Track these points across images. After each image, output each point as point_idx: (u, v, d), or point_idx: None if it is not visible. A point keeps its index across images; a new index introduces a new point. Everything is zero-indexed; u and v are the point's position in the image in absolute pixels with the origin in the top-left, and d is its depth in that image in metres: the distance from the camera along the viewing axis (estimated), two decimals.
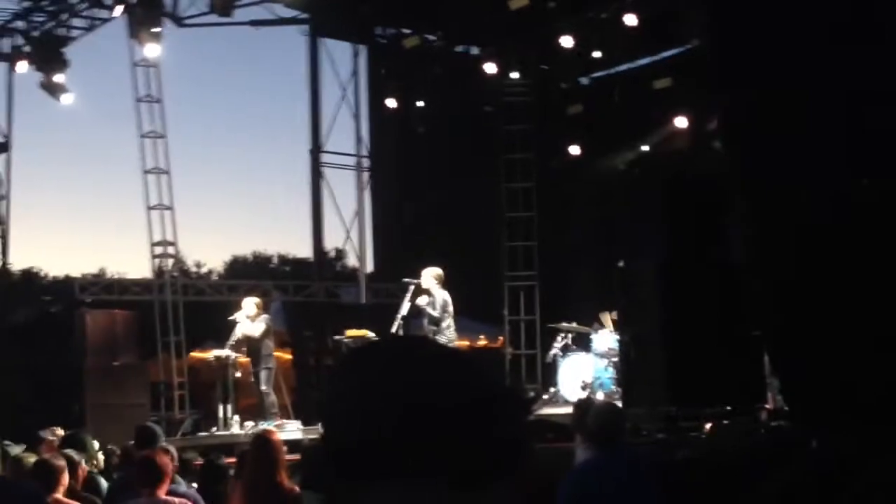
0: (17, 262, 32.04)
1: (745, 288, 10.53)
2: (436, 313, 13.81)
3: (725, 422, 11.46)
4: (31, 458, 7.89)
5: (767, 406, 12.19)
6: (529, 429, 1.47)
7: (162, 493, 6.93)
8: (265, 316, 15.22)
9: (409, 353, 1.41)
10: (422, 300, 13.94)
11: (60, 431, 10.59)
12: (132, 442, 9.67)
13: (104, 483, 8.33)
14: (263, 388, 14.87)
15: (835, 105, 8.15)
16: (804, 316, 8.53)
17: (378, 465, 1.31)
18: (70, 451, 7.88)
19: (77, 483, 7.67)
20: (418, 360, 1.38)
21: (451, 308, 14.01)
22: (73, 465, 7.50)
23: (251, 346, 15.01)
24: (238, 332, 15.05)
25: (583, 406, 9.15)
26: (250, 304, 15.21)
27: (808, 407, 8.58)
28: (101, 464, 9.46)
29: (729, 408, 11.81)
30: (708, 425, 11.28)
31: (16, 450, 8.96)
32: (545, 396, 16.31)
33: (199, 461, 10.04)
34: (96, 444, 9.40)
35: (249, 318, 14.97)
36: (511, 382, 18.08)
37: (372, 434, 1.31)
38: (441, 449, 1.30)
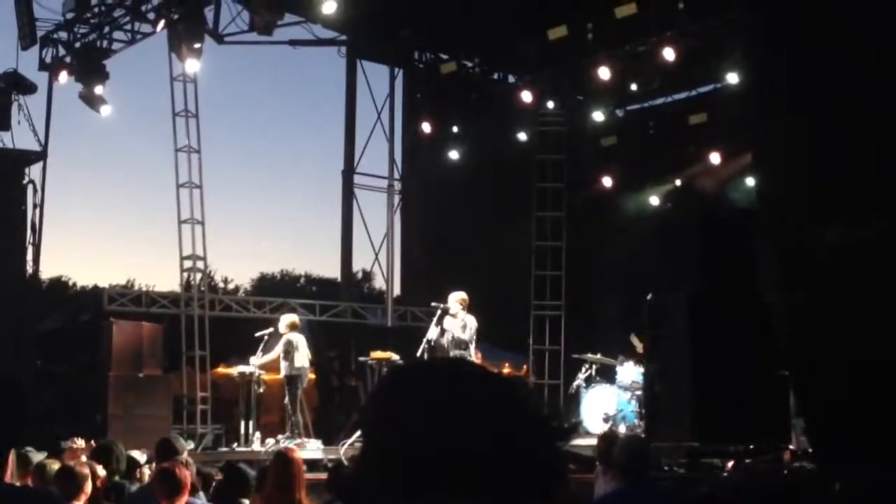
0: (47, 270, 32.31)
1: (775, 327, 10.46)
2: (465, 336, 13.83)
3: (748, 460, 11.38)
4: (55, 465, 7.93)
5: (791, 447, 12.11)
6: (565, 456, 1.48)
7: None
8: (295, 335, 15.14)
9: (455, 374, 1.42)
10: (448, 322, 13.96)
11: (81, 442, 10.60)
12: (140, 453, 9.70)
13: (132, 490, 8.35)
14: (287, 403, 14.87)
15: (862, 148, 8.13)
16: (832, 358, 8.48)
17: (420, 482, 1.32)
18: (92, 462, 7.92)
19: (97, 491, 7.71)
20: (464, 381, 1.39)
21: (475, 333, 14.04)
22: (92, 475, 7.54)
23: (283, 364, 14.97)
24: (262, 351, 15.06)
25: (608, 438, 9.13)
26: (284, 322, 15.15)
27: (833, 449, 8.51)
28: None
29: (752, 446, 11.72)
30: (730, 463, 11.21)
31: (38, 457, 8.99)
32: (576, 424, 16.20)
33: (219, 476, 10.03)
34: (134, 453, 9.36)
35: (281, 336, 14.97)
36: (549, 410, 18.01)
37: (416, 451, 1.32)
38: (482, 469, 1.31)
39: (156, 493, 7.20)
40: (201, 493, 7.69)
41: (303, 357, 14.95)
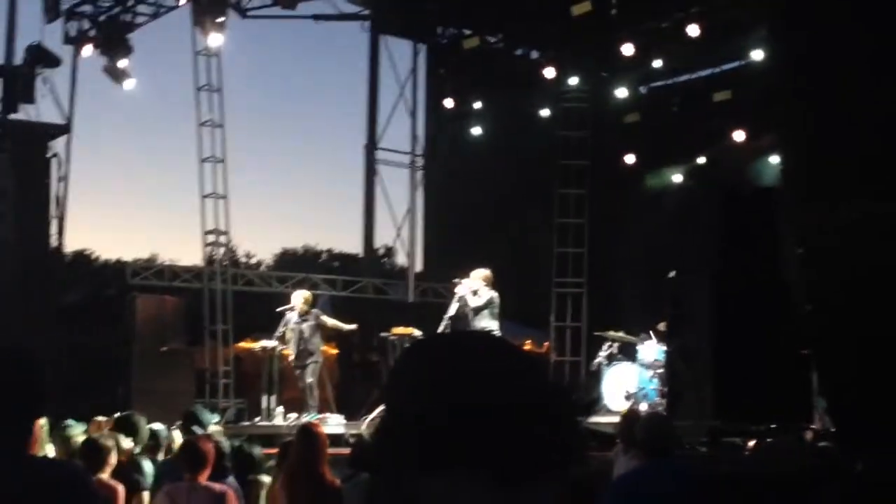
0: (71, 244, 32.43)
1: (797, 306, 10.43)
2: (479, 303, 13.79)
3: (769, 439, 11.35)
4: (80, 438, 7.98)
5: (813, 426, 12.07)
6: (581, 432, 1.48)
7: (203, 479, 6.99)
8: (315, 311, 15.18)
9: (477, 348, 1.42)
10: (461, 288, 13.90)
11: (101, 418, 10.65)
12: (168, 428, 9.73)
13: (149, 466, 8.38)
14: (309, 380, 14.86)
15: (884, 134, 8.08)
16: (855, 338, 8.45)
17: (438, 456, 1.32)
18: (118, 434, 7.95)
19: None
20: (484, 355, 1.39)
21: (497, 309, 14.00)
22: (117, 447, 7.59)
23: (299, 339, 14.95)
24: (283, 326, 15.04)
25: (630, 416, 9.11)
26: (298, 298, 15.14)
27: (856, 429, 8.48)
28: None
29: (774, 426, 11.70)
30: (752, 442, 11.18)
31: (75, 430, 9.02)
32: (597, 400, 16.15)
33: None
34: (154, 427, 9.37)
35: (298, 314, 14.93)
36: (568, 386, 18.06)
37: (434, 425, 1.32)
38: (501, 443, 1.31)
39: (180, 466, 7.25)
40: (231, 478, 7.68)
41: None
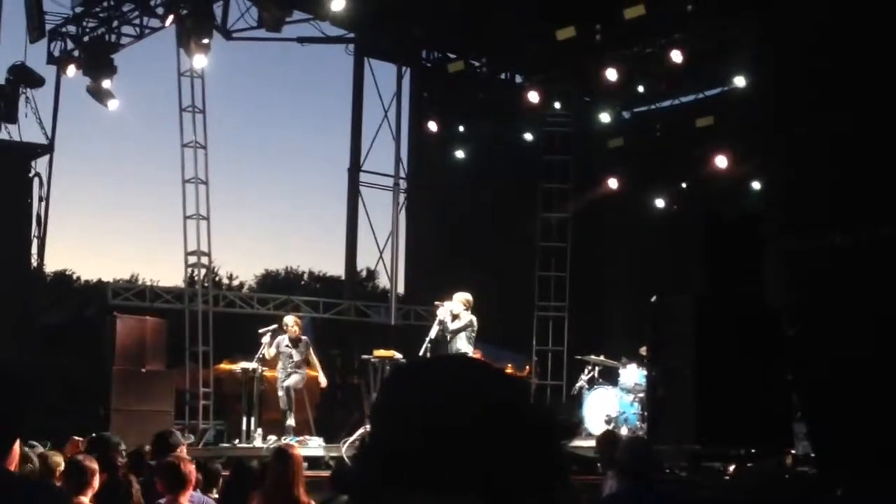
0: (52, 264, 32.29)
1: (780, 331, 10.46)
2: (457, 326, 13.82)
3: (750, 464, 11.36)
4: (58, 457, 7.92)
5: (794, 451, 12.09)
6: (565, 456, 1.48)
7: (184, 500, 6.96)
8: (305, 339, 15.29)
9: (458, 372, 1.42)
10: (441, 311, 13.94)
11: (78, 438, 10.58)
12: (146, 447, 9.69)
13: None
14: (290, 403, 14.90)
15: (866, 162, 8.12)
16: (837, 363, 8.47)
17: (420, 479, 1.31)
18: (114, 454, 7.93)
19: None
20: (466, 379, 1.39)
21: (474, 333, 14.02)
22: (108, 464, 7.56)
23: (287, 363, 15.04)
24: (271, 348, 15.07)
25: (608, 438, 9.09)
26: (291, 322, 15.25)
27: (836, 454, 8.50)
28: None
29: (754, 450, 11.71)
30: (732, 467, 11.19)
31: (39, 449, 8.94)
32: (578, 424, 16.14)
33: (225, 472, 10.02)
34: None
35: (289, 337, 15.04)
36: (552, 409, 18.04)
37: (415, 447, 1.32)
38: (483, 466, 1.31)
39: (158, 486, 7.20)
40: (198, 491, 7.67)
41: None
